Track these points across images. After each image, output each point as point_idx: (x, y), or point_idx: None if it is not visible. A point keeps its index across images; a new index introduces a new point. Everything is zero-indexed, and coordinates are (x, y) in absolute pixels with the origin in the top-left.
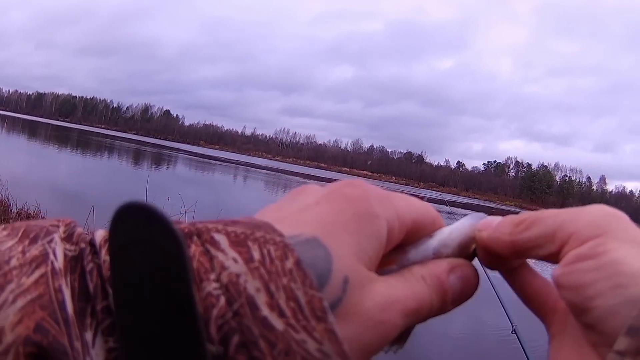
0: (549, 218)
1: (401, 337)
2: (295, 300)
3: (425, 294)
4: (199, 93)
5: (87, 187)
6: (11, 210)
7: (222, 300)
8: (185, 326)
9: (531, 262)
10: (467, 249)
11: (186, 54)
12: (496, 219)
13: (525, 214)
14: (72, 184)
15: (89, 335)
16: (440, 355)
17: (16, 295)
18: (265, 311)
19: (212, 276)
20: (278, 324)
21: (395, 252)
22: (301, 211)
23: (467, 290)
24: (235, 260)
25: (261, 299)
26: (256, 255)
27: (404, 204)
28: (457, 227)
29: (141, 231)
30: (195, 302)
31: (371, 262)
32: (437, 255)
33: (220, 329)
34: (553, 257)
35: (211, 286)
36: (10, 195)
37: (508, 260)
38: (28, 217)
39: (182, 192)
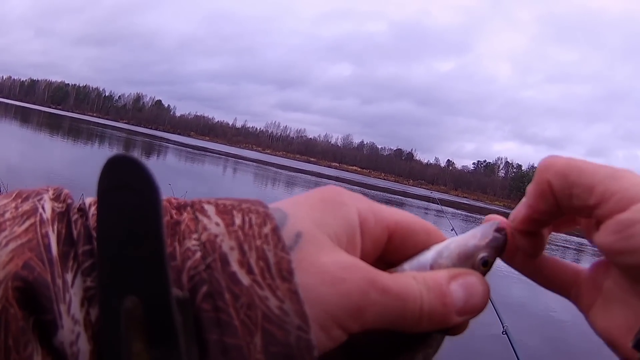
0: (587, 169)
1: (424, 354)
2: (265, 260)
3: (411, 285)
4: (194, 85)
5: (78, 175)
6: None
7: (198, 254)
8: (154, 267)
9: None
10: (471, 261)
11: (185, 46)
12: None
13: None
14: (63, 171)
15: (69, 276)
16: None
17: (8, 240)
18: (235, 267)
19: (194, 236)
20: (245, 279)
21: (391, 269)
22: (277, 202)
23: (474, 299)
24: (217, 224)
25: (233, 257)
26: (238, 221)
27: (387, 207)
28: (457, 238)
29: (123, 178)
30: (164, 246)
31: (339, 241)
32: (435, 268)
33: (192, 279)
34: (585, 210)
35: (191, 243)
36: (1, 181)
37: (548, 221)
38: None
39: (172, 183)
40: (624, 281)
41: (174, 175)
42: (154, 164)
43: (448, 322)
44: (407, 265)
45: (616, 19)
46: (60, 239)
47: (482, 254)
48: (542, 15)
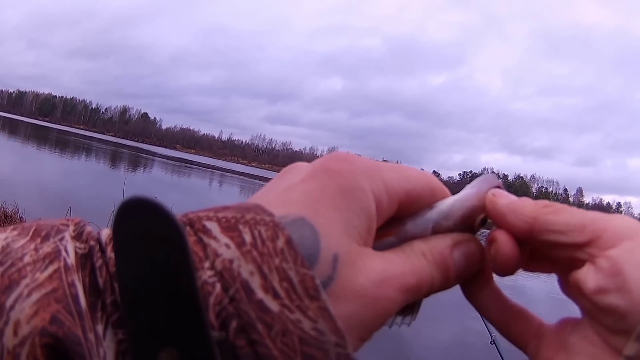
0: (578, 211)
1: (411, 309)
2: (288, 280)
3: (425, 269)
4: (185, 98)
5: (65, 188)
6: None
7: (218, 287)
8: (190, 315)
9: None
10: (472, 222)
11: (178, 59)
12: (510, 195)
13: (550, 202)
14: (51, 184)
15: (100, 328)
16: None
17: (31, 290)
18: (260, 294)
19: (207, 264)
20: (273, 305)
21: (394, 224)
22: (287, 191)
23: (471, 266)
24: (227, 246)
25: (255, 282)
26: (248, 238)
27: (394, 174)
28: (460, 198)
29: (144, 224)
30: (198, 291)
31: (362, 238)
32: (437, 228)
33: (219, 315)
34: (571, 249)
35: (206, 274)
36: None
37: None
38: (6, 216)
39: (158, 195)
40: (595, 335)
41: (161, 188)
42: (140, 177)
43: (446, 288)
44: (409, 226)
45: (607, 33)
46: (86, 288)
47: (482, 215)
48: (535, 30)
